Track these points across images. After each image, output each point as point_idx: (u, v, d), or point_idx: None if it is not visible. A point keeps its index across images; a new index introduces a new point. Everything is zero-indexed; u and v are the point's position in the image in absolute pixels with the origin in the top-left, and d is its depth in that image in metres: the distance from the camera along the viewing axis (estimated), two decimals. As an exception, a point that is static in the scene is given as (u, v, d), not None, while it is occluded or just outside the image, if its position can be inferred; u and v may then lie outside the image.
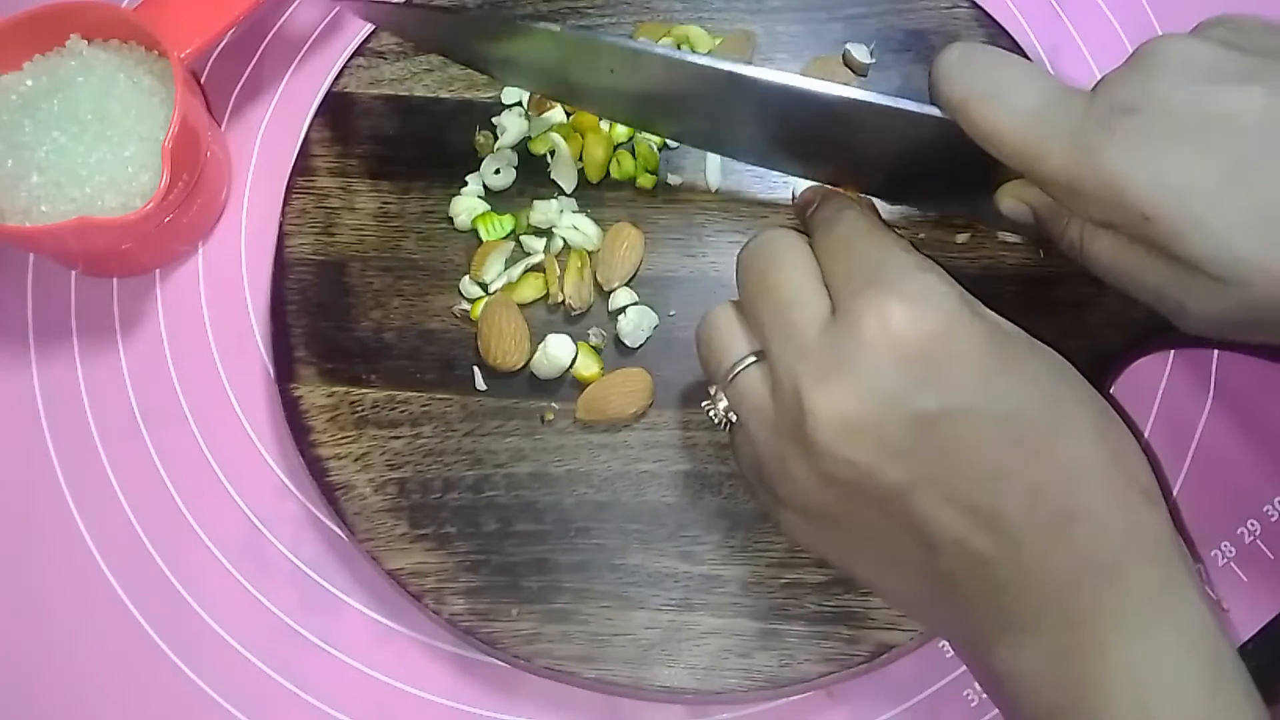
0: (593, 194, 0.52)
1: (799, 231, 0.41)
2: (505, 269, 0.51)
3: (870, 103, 0.42)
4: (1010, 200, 0.42)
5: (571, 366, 0.49)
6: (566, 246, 0.51)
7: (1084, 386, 0.38)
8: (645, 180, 0.52)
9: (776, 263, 0.39)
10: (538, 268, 0.51)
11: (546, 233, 0.51)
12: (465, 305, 0.50)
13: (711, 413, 0.42)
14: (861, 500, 0.37)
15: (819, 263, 0.39)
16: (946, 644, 0.47)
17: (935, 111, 0.41)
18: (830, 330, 0.37)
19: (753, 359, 0.39)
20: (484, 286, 0.50)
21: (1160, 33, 0.56)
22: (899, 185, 0.47)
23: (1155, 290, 0.38)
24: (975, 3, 0.55)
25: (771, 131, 0.45)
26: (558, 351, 0.48)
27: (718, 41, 0.54)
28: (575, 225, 0.51)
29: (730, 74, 0.42)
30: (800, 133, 0.45)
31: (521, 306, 0.50)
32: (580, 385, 0.49)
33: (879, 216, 0.42)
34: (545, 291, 0.50)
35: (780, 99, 0.43)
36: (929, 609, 0.39)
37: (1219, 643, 0.34)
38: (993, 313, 0.39)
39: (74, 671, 0.48)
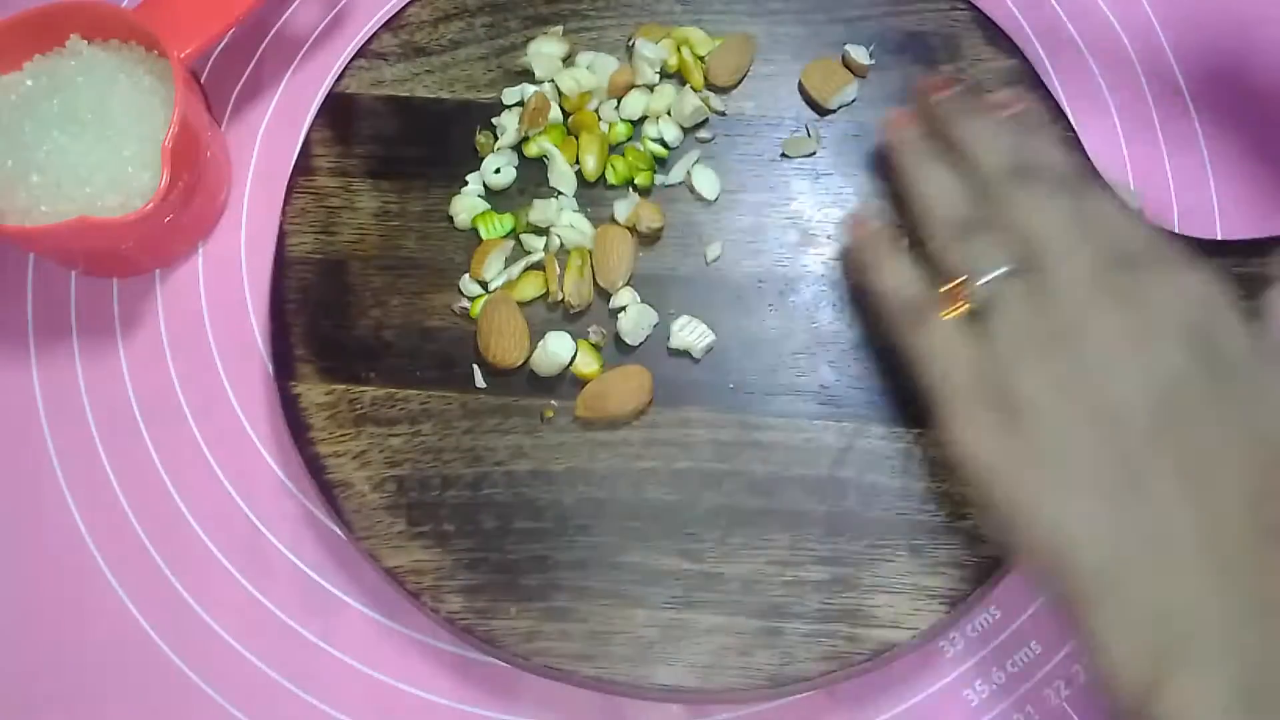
0: (593, 193, 0.52)
1: None
2: (505, 267, 0.51)
3: None
4: None
5: (571, 364, 0.49)
6: (565, 245, 0.51)
7: None
8: (643, 179, 0.52)
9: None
10: (538, 266, 0.51)
11: (546, 231, 0.51)
12: (465, 303, 0.50)
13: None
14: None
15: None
16: (946, 643, 0.47)
17: None
18: None
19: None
20: (484, 285, 0.50)
21: (1160, 32, 0.57)
22: None
23: None
24: (973, 4, 0.55)
25: None
26: (557, 349, 0.48)
27: (717, 43, 0.54)
28: (572, 224, 0.51)
29: None
30: None
31: (521, 305, 0.50)
32: (580, 383, 0.49)
33: None
34: (545, 290, 0.50)
35: None
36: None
37: None
38: None
39: (73, 671, 0.48)
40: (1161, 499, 0.36)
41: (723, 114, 0.53)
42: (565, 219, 0.51)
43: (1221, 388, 0.38)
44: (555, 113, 0.53)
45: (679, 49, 0.54)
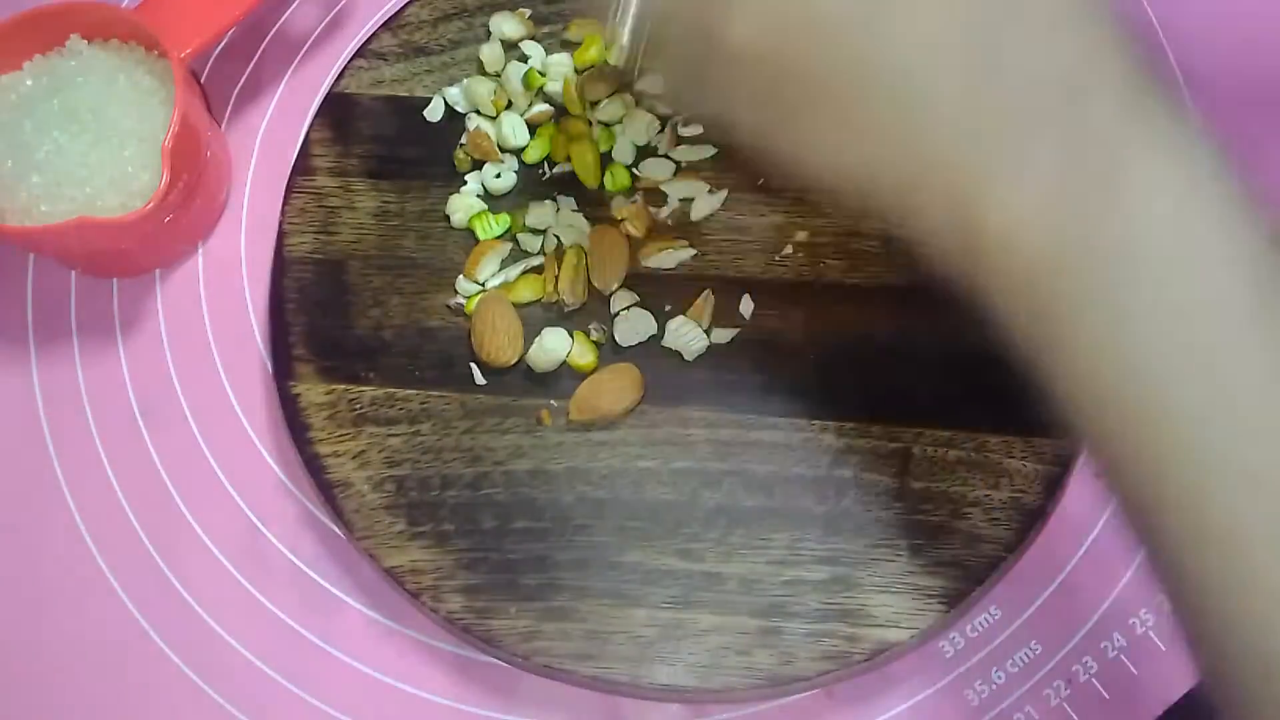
0: (593, 194, 0.52)
1: None
2: (501, 269, 0.51)
3: None
4: None
5: (567, 358, 0.49)
6: (562, 243, 0.51)
7: None
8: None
9: None
10: (536, 270, 0.51)
11: (543, 232, 0.51)
12: (461, 300, 0.50)
13: (620, 38, 0.39)
14: (808, 36, 0.33)
15: None
16: (946, 643, 0.47)
17: None
18: None
19: None
20: (480, 285, 0.50)
21: (1160, 30, 0.57)
22: None
23: None
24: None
25: None
26: (554, 345, 0.48)
27: None
28: (571, 224, 0.51)
29: None
30: None
31: (517, 306, 0.50)
32: (577, 378, 0.49)
33: None
34: (542, 293, 0.50)
35: None
36: (904, 183, 0.34)
37: (1237, 180, 0.31)
38: None
39: (73, 670, 0.48)
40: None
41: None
42: (564, 219, 0.51)
43: None
44: (545, 107, 0.53)
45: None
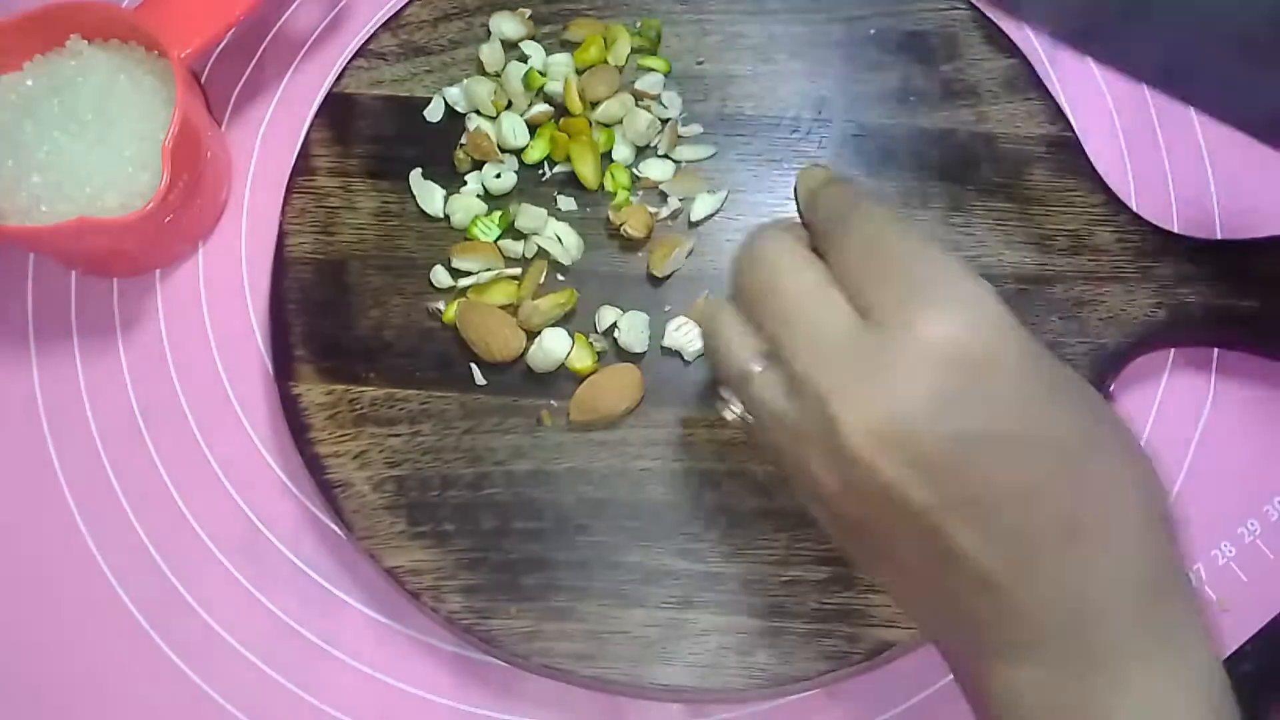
0: (593, 195, 0.52)
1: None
2: (480, 269, 0.51)
3: None
4: None
5: (566, 361, 0.49)
6: (541, 251, 0.51)
7: (1108, 409, 0.36)
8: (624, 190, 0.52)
9: (784, 270, 0.37)
10: (512, 275, 0.51)
11: (526, 238, 0.51)
12: (440, 305, 0.50)
13: (727, 414, 0.41)
14: (883, 511, 0.35)
15: (832, 265, 0.37)
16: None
17: None
18: (863, 338, 0.34)
19: (765, 364, 0.37)
20: (455, 275, 0.51)
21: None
22: None
23: None
24: (973, 3, 0.55)
25: None
26: (553, 345, 0.48)
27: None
28: (558, 235, 0.51)
29: None
30: None
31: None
32: (577, 379, 0.49)
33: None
34: (516, 297, 0.50)
35: None
36: (932, 616, 0.38)
37: (1223, 684, 0.34)
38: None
39: (74, 670, 0.48)
40: None
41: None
42: (551, 229, 0.51)
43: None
44: (545, 107, 0.53)
45: (605, 44, 0.54)
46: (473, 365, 0.49)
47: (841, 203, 0.39)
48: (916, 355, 0.33)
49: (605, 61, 0.54)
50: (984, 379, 0.33)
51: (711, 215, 0.52)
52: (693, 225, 0.52)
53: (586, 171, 0.52)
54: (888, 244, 0.36)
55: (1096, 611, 0.33)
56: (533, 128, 0.53)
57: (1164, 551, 0.34)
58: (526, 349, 0.49)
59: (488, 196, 0.52)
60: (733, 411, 0.41)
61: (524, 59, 0.54)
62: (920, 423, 0.33)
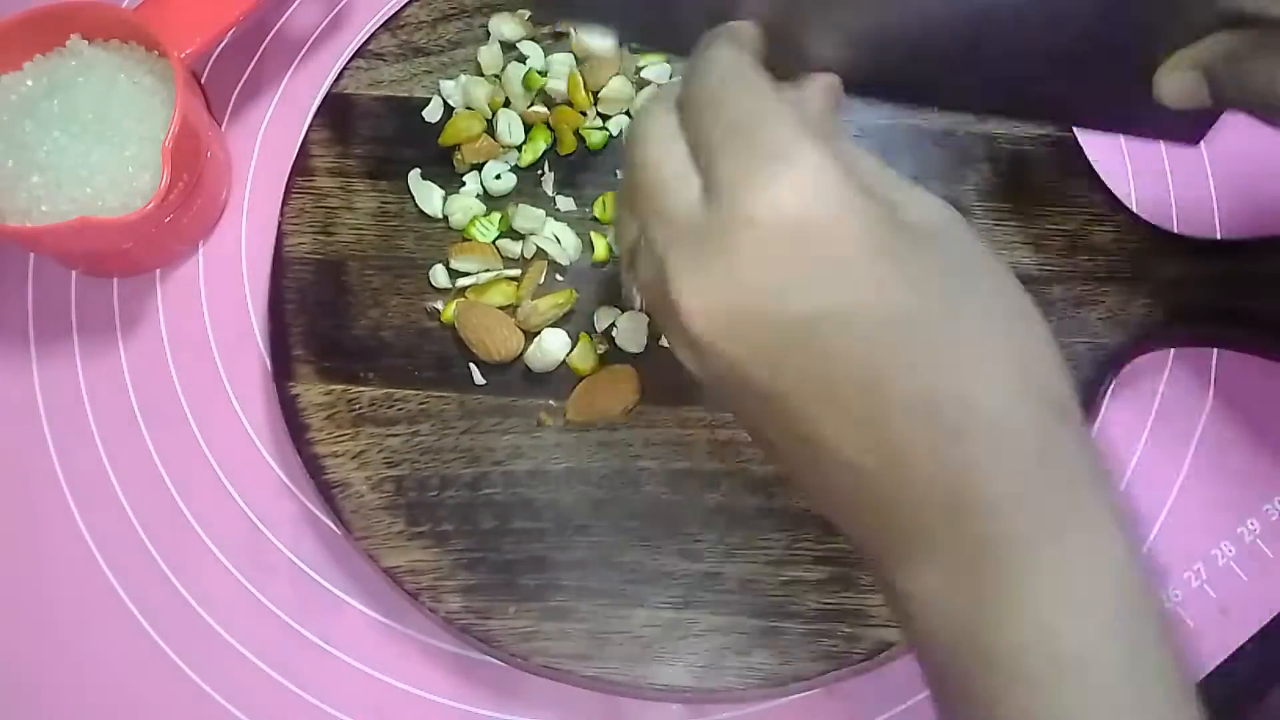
0: (592, 194, 0.52)
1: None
2: (479, 270, 0.51)
3: None
4: (1178, 74, 0.38)
5: (567, 359, 0.49)
6: (540, 251, 0.51)
7: (999, 281, 0.34)
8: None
9: (643, 139, 0.35)
10: (510, 278, 0.51)
11: (524, 238, 0.51)
12: (438, 304, 0.50)
13: (634, 301, 0.41)
14: (740, 392, 0.33)
15: (688, 132, 0.34)
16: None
17: None
18: (700, 213, 0.33)
19: (641, 244, 0.35)
20: (454, 276, 0.51)
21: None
22: (1038, 93, 0.42)
23: None
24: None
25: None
26: (552, 345, 0.49)
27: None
28: (556, 235, 0.51)
29: None
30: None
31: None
32: (576, 379, 0.49)
33: (814, 94, 0.37)
34: (515, 298, 0.50)
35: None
36: (830, 509, 0.35)
37: (1135, 575, 0.31)
38: (900, 181, 0.35)
39: (74, 670, 0.48)
40: None
41: None
42: (550, 229, 0.51)
43: None
44: (542, 109, 0.53)
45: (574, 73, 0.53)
46: (471, 365, 0.49)
47: (699, 60, 0.36)
48: (746, 234, 0.31)
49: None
50: (818, 252, 0.31)
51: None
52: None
53: (565, 141, 0.52)
54: (726, 99, 0.34)
55: (977, 497, 0.31)
56: (527, 127, 0.53)
57: (1056, 439, 0.31)
58: (525, 349, 0.49)
59: (486, 197, 0.52)
60: (636, 297, 0.41)
61: (522, 59, 0.54)
62: (753, 303, 0.32)
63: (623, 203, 0.36)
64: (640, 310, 0.46)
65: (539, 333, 0.49)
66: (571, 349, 0.49)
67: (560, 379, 0.49)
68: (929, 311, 0.32)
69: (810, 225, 0.31)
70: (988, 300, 0.33)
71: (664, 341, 0.49)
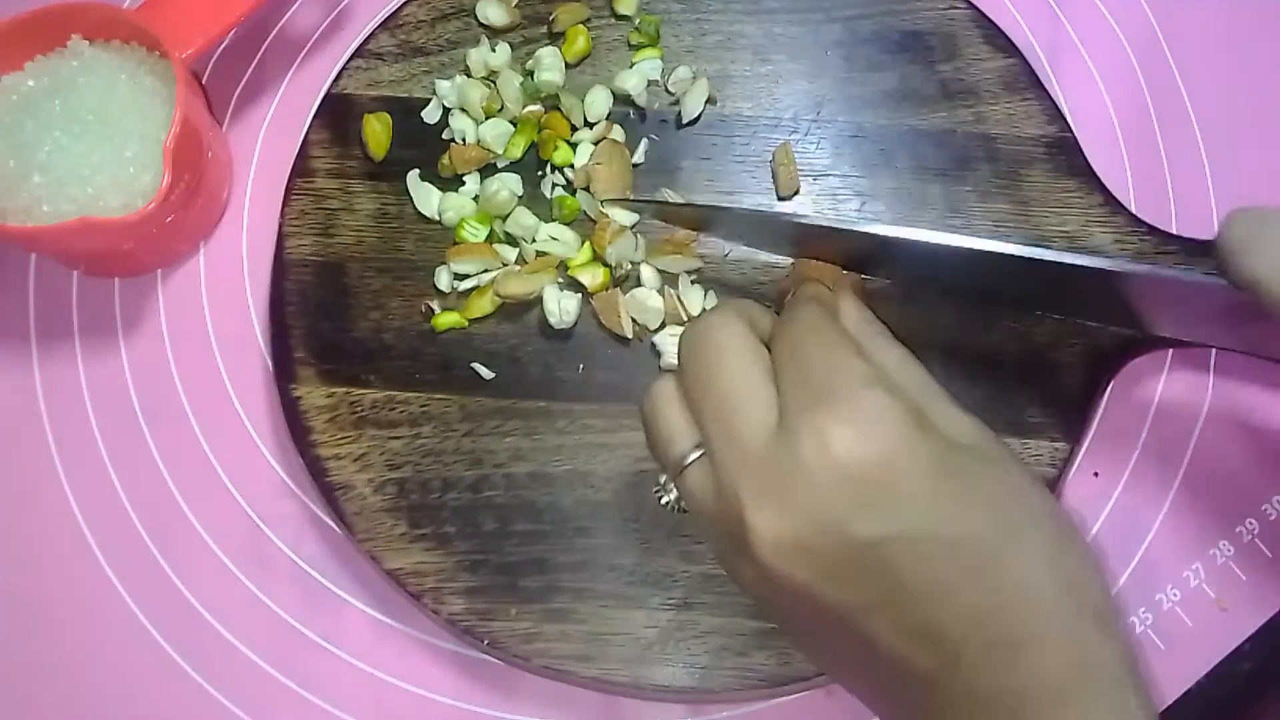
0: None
1: (760, 306, 0.40)
2: (479, 271, 0.51)
3: (1159, 276, 0.41)
4: None
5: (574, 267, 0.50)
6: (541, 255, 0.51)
7: (1043, 502, 0.37)
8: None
9: (722, 358, 0.37)
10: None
11: (517, 242, 0.52)
12: (435, 305, 0.50)
13: (664, 500, 0.43)
14: (806, 610, 0.36)
15: (773, 360, 0.38)
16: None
17: (1221, 281, 0.38)
18: (773, 444, 0.35)
19: (698, 454, 0.37)
20: (458, 278, 0.51)
21: (1160, 35, 0.57)
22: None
23: None
24: (972, 3, 0.55)
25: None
26: (569, 304, 0.49)
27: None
28: (553, 235, 0.51)
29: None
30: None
31: (478, 320, 0.50)
32: (578, 379, 0.49)
33: (850, 308, 0.41)
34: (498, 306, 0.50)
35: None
36: (869, 695, 0.38)
37: None
38: (939, 393, 0.39)
39: (75, 670, 0.48)
40: None
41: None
42: (545, 231, 0.51)
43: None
44: (536, 107, 0.53)
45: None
46: (474, 365, 0.49)
47: (795, 301, 0.40)
48: (820, 467, 0.34)
49: (589, 54, 0.54)
50: (883, 487, 0.34)
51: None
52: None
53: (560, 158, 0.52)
54: (804, 347, 0.37)
55: (1023, 712, 0.33)
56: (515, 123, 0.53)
57: (1098, 650, 0.34)
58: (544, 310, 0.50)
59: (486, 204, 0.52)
60: (669, 496, 0.44)
61: (519, 68, 0.54)
62: (826, 533, 0.34)
63: (670, 401, 0.39)
64: (669, 508, 0.46)
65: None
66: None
67: (562, 381, 0.49)
68: (988, 532, 0.35)
69: (879, 462, 0.34)
70: (1040, 521, 0.36)
71: (664, 363, 0.49)
